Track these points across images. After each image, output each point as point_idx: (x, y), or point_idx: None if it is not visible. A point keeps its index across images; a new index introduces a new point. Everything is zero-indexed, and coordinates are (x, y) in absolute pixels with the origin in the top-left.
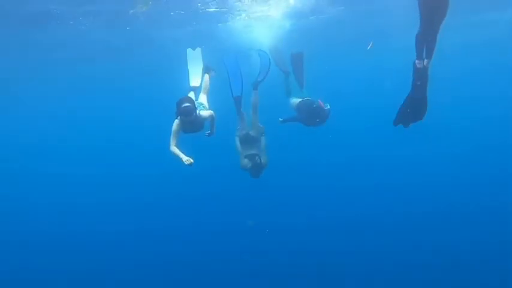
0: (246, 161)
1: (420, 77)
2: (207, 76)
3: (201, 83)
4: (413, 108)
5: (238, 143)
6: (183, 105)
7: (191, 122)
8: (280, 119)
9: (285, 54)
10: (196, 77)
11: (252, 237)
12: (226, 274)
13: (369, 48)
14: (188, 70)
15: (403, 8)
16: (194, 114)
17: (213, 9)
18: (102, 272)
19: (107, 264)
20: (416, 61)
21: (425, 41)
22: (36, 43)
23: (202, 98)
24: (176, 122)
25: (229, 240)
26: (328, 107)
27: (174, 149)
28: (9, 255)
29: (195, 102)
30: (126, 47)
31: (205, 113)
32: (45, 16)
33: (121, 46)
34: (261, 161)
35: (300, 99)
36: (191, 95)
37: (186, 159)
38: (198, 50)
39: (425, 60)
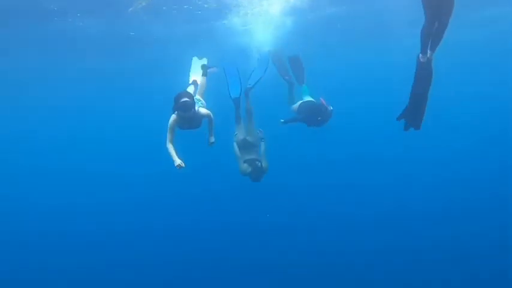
0: (245, 165)
1: (423, 71)
2: (204, 78)
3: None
4: (413, 104)
5: (236, 148)
6: (182, 100)
7: (189, 118)
8: (281, 120)
9: (285, 59)
10: (197, 74)
11: (251, 236)
12: (225, 273)
13: None
14: (190, 74)
15: (404, 7)
16: (193, 109)
17: (211, 4)
18: (99, 271)
19: (105, 263)
20: (420, 55)
21: (431, 35)
22: (35, 40)
23: (199, 97)
24: (173, 117)
25: (228, 239)
26: (331, 108)
27: (170, 146)
28: (7, 254)
29: (194, 98)
30: (125, 45)
31: (203, 110)
32: (44, 13)
33: (120, 43)
34: (261, 165)
35: (301, 101)
36: (190, 89)
37: (177, 163)
38: (204, 60)
39: (429, 52)
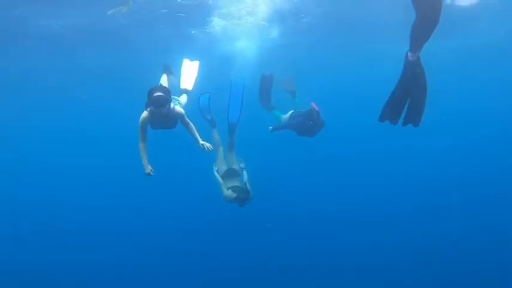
0: (229, 191)
1: (412, 69)
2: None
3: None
4: (395, 100)
5: (218, 176)
6: (155, 95)
7: (163, 116)
8: (269, 127)
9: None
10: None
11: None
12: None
13: None
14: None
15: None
16: (167, 106)
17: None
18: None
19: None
20: (409, 53)
21: (421, 32)
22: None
23: (182, 99)
24: (144, 113)
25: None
26: (323, 118)
27: (142, 146)
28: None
29: (171, 95)
30: (104, 50)
31: (178, 108)
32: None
33: (99, 49)
34: (247, 188)
35: (292, 111)
36: (164, 81)
37: (147, 171)
38: (196, 63)
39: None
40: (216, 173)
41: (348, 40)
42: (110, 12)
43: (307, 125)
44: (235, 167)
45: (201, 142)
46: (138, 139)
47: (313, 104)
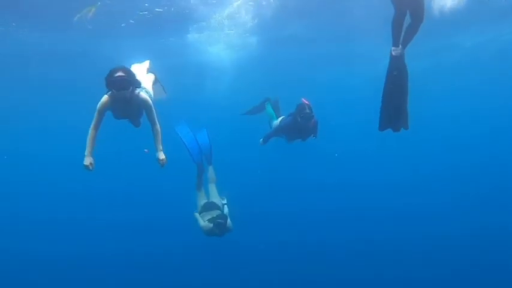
0: (206, 222)
1: (397, 65)
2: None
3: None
4: (392, 103)
5: (195, 214)
6: (116, 75)
7: (125, 101)
8: (260, 140)
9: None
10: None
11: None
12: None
13: None
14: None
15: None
16: (130, 89)
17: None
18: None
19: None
20: (393, 48)
21: (402, 26)
22: None
23: (147, 84)
24: (105, 97)
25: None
26: (316, 119)
27: (92, 133)
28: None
29: (136, 77)
30: (70, 57)
31: (144, 95)
32: None
33: (64, 55)
34: (225, 222)
35: (283, 116)
36: (135, 68)
37: (86, 163)
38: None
39: (401, 47)
40: (195, 215)
41: (329, 48)
42: (76, 17)
43: (297, 123)
44: (216, 201)
45: (160, 156)
46: (90, 124)
47: (303, 99)
